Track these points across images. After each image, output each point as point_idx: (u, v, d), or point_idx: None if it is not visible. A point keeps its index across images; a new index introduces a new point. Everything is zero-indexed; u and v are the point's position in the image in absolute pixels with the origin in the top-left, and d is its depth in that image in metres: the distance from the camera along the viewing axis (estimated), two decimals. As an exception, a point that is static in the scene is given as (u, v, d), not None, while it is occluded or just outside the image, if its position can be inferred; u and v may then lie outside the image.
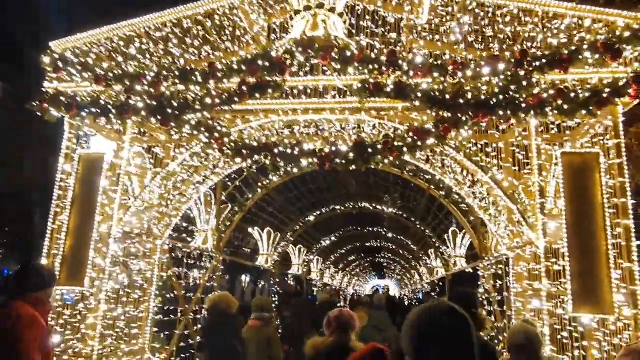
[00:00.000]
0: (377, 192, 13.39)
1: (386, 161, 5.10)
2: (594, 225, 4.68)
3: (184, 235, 9.79)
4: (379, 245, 26.13)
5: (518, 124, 5.21)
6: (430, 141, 4.91)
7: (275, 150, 5.20)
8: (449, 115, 4.82)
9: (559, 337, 4.81)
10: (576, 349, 4.75)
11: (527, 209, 5.10)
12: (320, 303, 10.33)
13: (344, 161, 5.02)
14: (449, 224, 12.05)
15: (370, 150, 4.99)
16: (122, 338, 5.81)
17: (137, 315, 6.05)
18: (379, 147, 4.99)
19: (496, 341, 8.74)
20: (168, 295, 8.21)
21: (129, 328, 5.91)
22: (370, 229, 21.00)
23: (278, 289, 16.16)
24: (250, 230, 14.80)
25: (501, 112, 4.64)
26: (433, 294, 22.96)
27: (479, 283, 9.33)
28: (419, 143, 4.93)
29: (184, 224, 9.63)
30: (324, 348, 3.89)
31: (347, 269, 36.98)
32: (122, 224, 5.97)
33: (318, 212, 15.66)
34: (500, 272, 8.97)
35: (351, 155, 5.02)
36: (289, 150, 5.17)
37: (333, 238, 21.18)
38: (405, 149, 4.96)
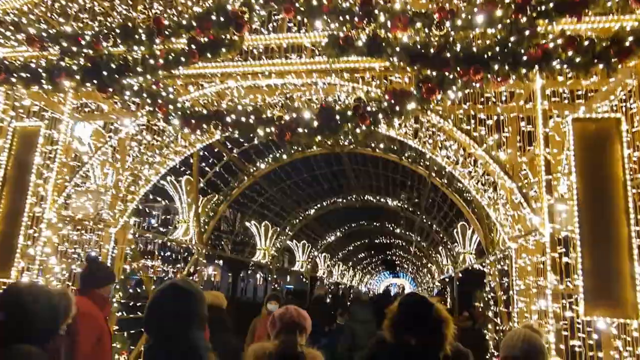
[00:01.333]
0: (377, 183, 12.47)
1: (358, 131, 4.24)
2: (613, 208, 3.75)
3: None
4: (388, 241, 25.18)
5: (518, 84, 4.29)
6: (411, 105, 4.04)
7: (228, 119, 4.39)
8: (434, 73, 3.96)
9: (568, 345, 3.89)
10: (590, 361, 3.83)
11: (530, 188, 4.19)
12: (312, 300, 9.56)
13: (306, 130, 4.18)
14: (455, 216, 11.03)
15: (338, 117, 4.15)
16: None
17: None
18: (349, 113, 4.14)
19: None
20: (138, 290, 7.50)
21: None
22: (377, 224, 20.09)
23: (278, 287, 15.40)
24: (247, 224, 14.09)
25: (497, 67, 3.75)
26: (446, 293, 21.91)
27: (485, 281, 8.41)
28: (397, 108, 4.06)
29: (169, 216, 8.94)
30: (264, 355, 3.06)
31: (358, 267, 36.09)
32: (70, 209, 5.30)
33: (318, 205, 14.83)
34: (507, 267, 8.05)
35: (315, 123, 4.18)
36: (243, 119, 4.35)
37: (338, 234, 20.32)
38: (380, 116, 4.09)
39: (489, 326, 8.05)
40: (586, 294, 3.62)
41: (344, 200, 14.86)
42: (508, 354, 2.95)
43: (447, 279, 19.49)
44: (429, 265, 23.81)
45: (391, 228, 19.99)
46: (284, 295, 13.71)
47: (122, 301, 6.39)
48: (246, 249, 15.51)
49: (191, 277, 9.18)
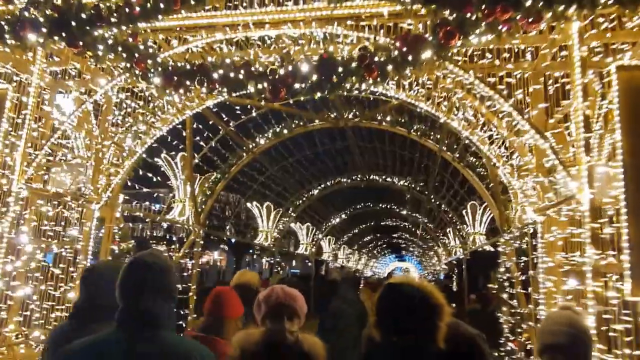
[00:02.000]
0: (384, 160, 11.88)
1: (364, 87, 3.67)
2: (665, 170, 3.19)
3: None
4: (394, 224, 24.66)
5: (544, 38, 3.68)
6: (426, 54, 3.45)
7: (215, 75, 3.82)
8: (453, 15, 3.36)
9: (608, 330, 3.36)
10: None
11: (565, 150, 3.63)
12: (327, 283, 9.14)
13: (304, 86, 3.61)
14: (466, 194, 10.43)
15: (340, 69, 3.57)
16: (38, 322, 4.62)
17: (60, 296, 4.84)
18: (353, 65, 3.56)
19: (519, 331, 7.32)
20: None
21: (47, 311, 4.71)
22: (383, 206, 19.56)
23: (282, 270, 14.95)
24: (248, 205, 13.59)
25: (529, 4, 3.15)
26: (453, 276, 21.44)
27: (499, 261, 7.88)
28: (410, 57, 3.48)
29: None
30: (250, 345, 2.55)
31: (363, 250, 35.72)
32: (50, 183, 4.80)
33: (321, 186, 14.29)
34: (525, 246, 7.51)
35: (314, 77, 3.61)
36: (232, 74, 3.78)
37: (343, 216, 19.80)
38: (389, 67, 3.51)
39: (504, 309, 7.56)
40: (634, 270, 3.08)
41: (349, 180, 14.30)
42: (548, 342, 2.41)
43: (454, 262, 19.04)
44: (436, 247, 23.35)
45: (397, 210, 19.46)
46: (288, 278, 13.30)
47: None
48: (248, 231, 15.08)
49: (188, 260, 8.71)
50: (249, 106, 7.80)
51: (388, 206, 19.65)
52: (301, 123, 8.84)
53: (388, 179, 14.08)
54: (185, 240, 8.72)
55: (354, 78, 3.55)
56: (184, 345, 1.97)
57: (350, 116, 8.53)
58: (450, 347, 2.15)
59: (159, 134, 5.36)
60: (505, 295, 7.62)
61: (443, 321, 2.20)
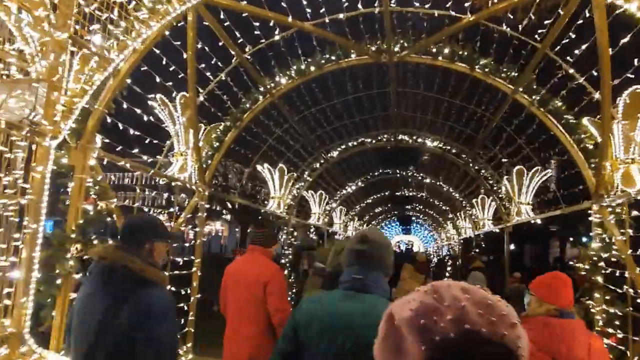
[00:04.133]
0: (424, 114, 9.97)
1: None
2: None
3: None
4: (410, 194, 22.93)
5: None
6: None
7: None
8: None
9: None
10: None
11: None
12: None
13: None
14: (538, 149, 8.38)
15: None
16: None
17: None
18: None
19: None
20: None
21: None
22: (403, 173, 17.78)
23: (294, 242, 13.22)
24: (259, 168, 11.76)
25: None
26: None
27: (591, 234, 6.14)
28: None
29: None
30: None
31: (373, 223, 34.16)
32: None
33: (343, 146, 12.46)
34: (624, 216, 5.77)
35: None
36: None
37: (360, 183, 18.01)
38: None
39: (596, 295, 5.88)
40: None
41: (373, 141, 12.46)
42: None
43: (480, 237, 17.28)
44: (456, 220, 21.64)
45: (420, 177, 17.69)
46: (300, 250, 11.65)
47: (81, 257, 4.18)
48: (259, 197, 13.34)
49: (190, 227, 6.99)
50: (271, 23, 5.89)
51: (408, 173, 17.89)
52: (333, 57, 6.93)
53: (419, 140, 12.24)
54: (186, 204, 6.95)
55: None
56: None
57: (398, 48, 6.63)
58: None
59: (146, 35, 3.49)
60: (600, 279, 5.92)
61: None
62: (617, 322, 5.73)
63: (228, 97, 6.92)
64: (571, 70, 5.62)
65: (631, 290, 5.01)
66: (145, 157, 5.83)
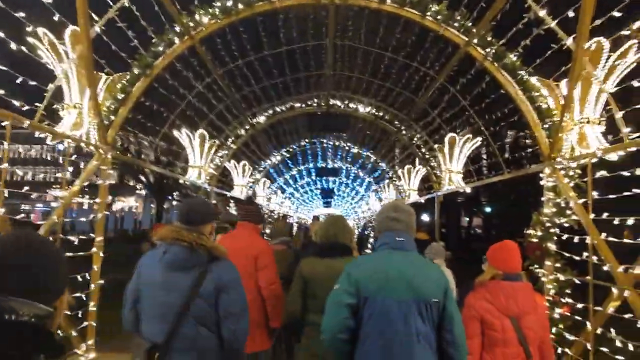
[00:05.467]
0: (362, 74, 9.19)
1: None
2: None
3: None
4: (336, 165, 22.44)
5: None
6: None
7: None
8: None
9: None
10: None
11: None
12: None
13: None
14: (481, 110, 7.92)
15: None
16: None
17: None
18: None
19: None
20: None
21: None
22: (331, 143, 17.12)
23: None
24: (176, 133, 10.35)
25: None
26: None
27: (544, 199, 5.77)
28: None
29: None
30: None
31: (296, 195, 33.49)
32: None
33: (271, 111, 11.43)
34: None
35: None
36: None
37: (285, 153, 17.07)
38: None
39: (547, 263, 5.57)
40: None
41: (304, 105, 11.56)
42: None
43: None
44: (382, 191, 21.55)
45: (347, 148, 17.15)
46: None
47: None
48: (175, 167, 11.95)
49: (91, 200, 5.71)
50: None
51: (337, 143, 17.27)
52: (265, -4, 5.84)
53: (352, 105, 11.53)
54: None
55: None
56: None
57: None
58: None
59: None
60: (552, 246, 5.60)
61: None
62: (568, 291, 5.49)
63: (136, 34, 5.58)
64: (542, 13, 5.05)
65: (595, 258, 4.65)
66: (18, 104, 4.40)
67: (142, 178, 20.65)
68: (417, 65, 7.59)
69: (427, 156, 11.60)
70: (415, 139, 11.60)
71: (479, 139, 9.79)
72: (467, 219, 41.14)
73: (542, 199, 5.79)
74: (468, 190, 10.88)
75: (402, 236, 2.78)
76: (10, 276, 1.35)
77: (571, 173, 5.51)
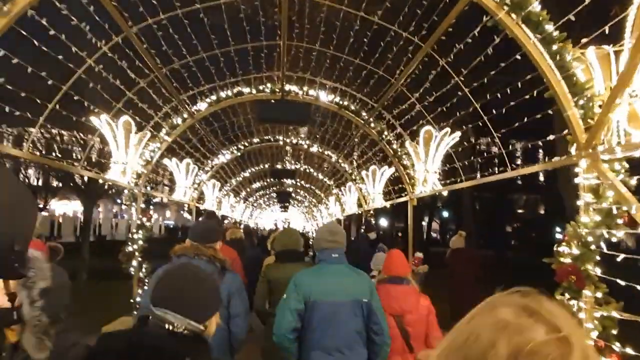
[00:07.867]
0: (322, 48, 7.38)
1: None
2: None
3: None
4: (293, 167, 20.59)
5: None
6: None
7: None
8: None
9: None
10: None
11: None
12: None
13: None
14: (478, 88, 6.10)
15: None
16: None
17: None
18: None
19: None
20: None
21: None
22: (287, 140, 15.30)
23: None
24: (94, 121, 8.14)
25: None
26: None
27: (578, 203, 4.15)
28: None
29: None
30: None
31: (250, 200, 31.32)
32: None
33: (214, 97, 9.47)
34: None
35: None
36: None
37: (236, 152, 15.02)
38: None
39: (587, 292, 3.97)
40: None
41: (254, 91, 9.66)
42: None
43: (370, 212, 15.56)
44: (343, 194, 19.86)
45: (306, 146, 15.37)
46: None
47: None
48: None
49: None
50: None
51: (295, 141, 15.46)
52: None
53: (312, 92, 9.75)
54: None
55: None
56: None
57: None
58: None
59: None
60: (594, 269, 3.99)
61: None
62: (614, 332, 3.93)
63: None
64: None
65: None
66: None
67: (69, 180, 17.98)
68: (398, 29, 5.78)
69: (399, 153, 9.98)
70: (386, 133, 9.96)
71: (458, 133, 8.22)
72: (425, 223, 40.29)
73: (578, 203, 4.19)
74: (465, 186, 9.34)
75: (337, 252, 3.72)
76: (179, 301, 1.90)
77: (617, 167, 3.97)
